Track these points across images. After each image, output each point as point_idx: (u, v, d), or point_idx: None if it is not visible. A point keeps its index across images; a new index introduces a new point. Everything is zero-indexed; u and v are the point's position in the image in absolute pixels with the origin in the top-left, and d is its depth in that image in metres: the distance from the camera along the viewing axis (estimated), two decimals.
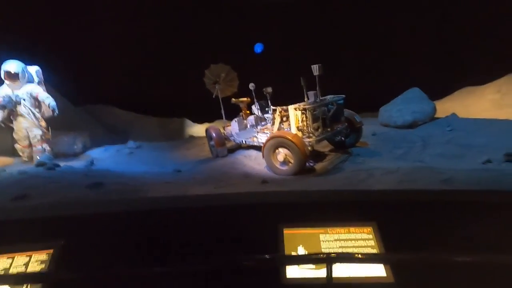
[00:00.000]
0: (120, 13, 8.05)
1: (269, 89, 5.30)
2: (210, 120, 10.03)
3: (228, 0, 7.87)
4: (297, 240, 1.84)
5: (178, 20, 8.49)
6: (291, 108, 4.62)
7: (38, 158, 4.47)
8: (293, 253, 1.79)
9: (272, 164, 4.58)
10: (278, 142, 4.44)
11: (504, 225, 1.83)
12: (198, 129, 11.11)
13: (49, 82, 8.15)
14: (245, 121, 6.36)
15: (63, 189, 2.90)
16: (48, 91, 7.95)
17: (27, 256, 1.69)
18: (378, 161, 4.51)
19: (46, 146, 4.81)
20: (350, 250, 1.77)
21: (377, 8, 7.88)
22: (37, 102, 4.75)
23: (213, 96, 6.46)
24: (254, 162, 5.29)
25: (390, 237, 1.81)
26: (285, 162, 4.47)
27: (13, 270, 1.63)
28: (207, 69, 6.67)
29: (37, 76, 4.95)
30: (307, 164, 4.74)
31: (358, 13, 8.14)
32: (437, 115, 6.44)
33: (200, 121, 11.39)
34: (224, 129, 6.32)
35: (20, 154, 4.88)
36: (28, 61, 4.96)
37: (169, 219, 2.02)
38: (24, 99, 4.62)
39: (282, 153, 4.47)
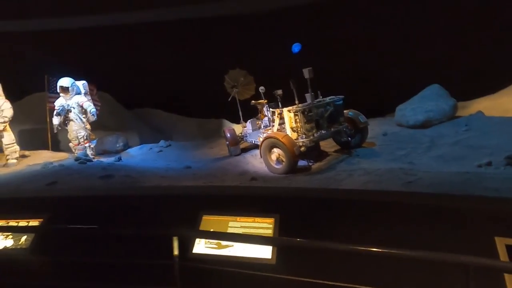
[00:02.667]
0: (165, 30, 9.13)
1: (279, 92, 5.62)
2: (245, 120, 10.66)
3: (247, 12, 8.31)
4: (211, 224, 2.24)
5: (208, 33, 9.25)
6: (285, 110, 4.88)
7: (77, 154, 5.60)
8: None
9: (268, 163, 4.91)
10: (271, 142, 4.76)
11: (406, 226, 1.93)
12: (237, 129, 11.85)
13: (106, 91, 9.76)
14: (259, 122, 6.77)
15: (80, 179, 3.76)
16: (105, 97, 9.53)
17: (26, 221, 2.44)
18: (371, 162, 4.49)
19: (89, 145, 5.97)
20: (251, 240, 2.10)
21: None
22: (83, 109, 5.92)
23: (229, 100, 7.01)
24: (258, 161, 5.67)
25: (288, 228, 2.09)
26: (279, 161, 4.76)
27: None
28: (226, 74, 7.25)
29: (83, 89, 6.16)
30: (306, 162, 4.96)
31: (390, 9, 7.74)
32: (489, 112, 5.77)
33: (237, 121, 12.12)
34: (242, 130, 6.85)
35: (73, 151, 6.13)
36: (77, 77, 6.21)
37: (128, 201, 2.60)
38: (73, 107, 5.83)
39: (276, 152, 4.77)
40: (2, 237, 2.32)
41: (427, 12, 7.37)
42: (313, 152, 5.25)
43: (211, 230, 2.19)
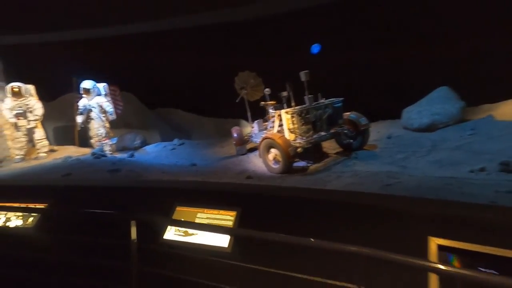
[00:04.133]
0: (187, 36, 9.67)
1: (284, 93, 5.77)
2: (253, 121, 10.91)
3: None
4: (182, 214, 2.49)
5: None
6: (282, 112, 5.03)
7: (93, 150, 6.18)
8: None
9: (266, 162, 5.09)
10: (269, 143, 4.93)
11: (349, 224, 2.05)
12: (245, 130, 12.12)
13: (131, 91, 10.46)
14: (266, 122, 6.95)
15: (91, 172, 4.21)
16: (129, 97, 10.23)
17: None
18: (366, 165, 4.50)
19: (108, 142, 6.54)
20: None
21: None
22: (102, 109, 6.51)
23: (237, 101, 7.27)
24: (260, 161, 5.84)
25: (247, 221, 2.28)
26: (276, 161, 4.93)
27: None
28: (236, 76, 7.52)
29: (104, 90, 6.76)
30: (306, 163, 5.07)
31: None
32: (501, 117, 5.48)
33: (253, 121, 12.39)
34: (251, 130, 7.08)
35: (94, 147, 6.75)
36: (103, 79, 6.84)
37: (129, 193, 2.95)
38: (94, 107, 6.43)
39: (273, 153, 4.94)
40: (14, 217, 2.75)
41: (445, 11, 7.08)
42: (314, 153, 5.34)
43: (182, 219, 2.45)
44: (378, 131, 6.10)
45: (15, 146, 6.24)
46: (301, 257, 1.87)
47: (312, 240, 1.58)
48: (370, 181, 3.37)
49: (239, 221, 2.27)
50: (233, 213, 2.35)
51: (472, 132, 4.77)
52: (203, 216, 2.42)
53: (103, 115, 6.56)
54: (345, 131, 5.18)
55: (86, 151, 7.05)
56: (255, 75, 7.48)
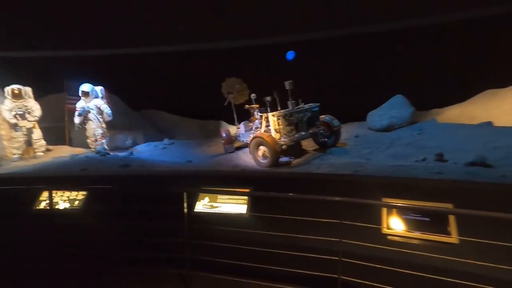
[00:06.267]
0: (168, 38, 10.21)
1: (268, 98, 6.63)
2: (239, 122, 11.71)
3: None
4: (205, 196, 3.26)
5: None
6: (270, 114, 5.91)
7: (97, 148, 6.65)
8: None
9: (256, 158, 5.92)
10: (258, 141, 5.77)
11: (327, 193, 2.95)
12: (231, 130, 12.85)
13: (115, 94, 10.78)
14: (251, 124, 7.79)
15: (104, 167, 4.78)
16: (114, 100, 10.55)
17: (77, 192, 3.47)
18: (339, 158, 5.51)
19: (105, 141, 7.01)
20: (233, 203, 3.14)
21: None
22: (100, 111, 6.97)
23: (224, 104, 8.05)
24: (249, 157, 6.68)
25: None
26: (264, 156, 5.78)
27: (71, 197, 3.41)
28: (223, 82, 8.30)
29: (101, 93, 7.21)
30: (288, 158, 5.97)
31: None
32: (457, 119, 6.82)
33: (233, 123, 13.15)
34: (236, 131, 7.87)
35: (90, 146, 7.16)
36: (97, 83, 7.27)
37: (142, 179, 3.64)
38: (92, 109, 6.87)
39: (262, 149, 5.79)
40: (62, 201, 3.33)
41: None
42: (295, 150, 6.27)
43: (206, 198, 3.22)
44: (347, 131, 7.20)
45: (13, 146, 6.49)
46: (297, 211, 2.74)
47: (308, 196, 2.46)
48: (343, 169, 4.35)
49: (251, 199, 3.10)
50: (247, 190, 3.18)
51: (419, 132, 5.98)
52: (224, 196, 3.22)
53: (100, 116, 7.02)
54: (321, 131, 6.18)
55: (81, 150, 7.41)
56: (241, 81, 8.32)
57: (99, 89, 7.17)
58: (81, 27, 9.43)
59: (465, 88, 8.35)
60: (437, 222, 2.51)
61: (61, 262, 2.73)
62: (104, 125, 7.09)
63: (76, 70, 8.61)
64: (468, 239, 2.21)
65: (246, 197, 3.13)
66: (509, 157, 4.27)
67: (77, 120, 6.93)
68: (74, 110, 7.19)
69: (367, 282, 2.27)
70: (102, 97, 7.20)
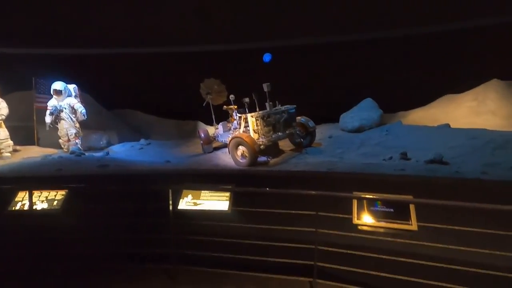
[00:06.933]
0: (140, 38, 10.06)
1: (247, 99, 6.79)
2: (217, 123, 11.77)
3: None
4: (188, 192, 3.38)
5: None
6: (249, 115, 6.10)
7: (71, 149, 6.44)
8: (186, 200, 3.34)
9: (235, 158, 6.07)
10: (237, 141, 5.93)
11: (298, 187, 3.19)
12: (210, 131, 12.86)
13: (87, 92, 10.42)
14: (229, 124, 7.92)
15: (81, 167, 4.69)
16: (87, 99, 10.21)
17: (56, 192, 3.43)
18: (315, 158, 5.81)
19: (78, 141, 6.80)
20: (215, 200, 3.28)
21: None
22: (73, 110, 6.76)
23: (203, 105, 8.12)
24: (227, 156, 6.82)
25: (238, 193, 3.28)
26: (243, 156, 5.95)
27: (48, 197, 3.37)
28: (202, 82, 8.36)
29: (74, 92, 6.99)
30: (266, 158, 6.18)
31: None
32: (420, 121, 7.39)
33: (211, 123, 13.19)
34: (215, 131, 7.96)
35: (62, 146, 6.91)
36: (70, 81, 7.03)
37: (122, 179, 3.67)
38: (65, 108, 6.65)
39: (241, 149, 5.95)
40: (39, 201, 3.28)
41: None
42: (272, 150, 6.50)
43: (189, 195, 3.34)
44: (321, 132, 7.57)
45: None
46: (277, 206, 2.95)
47: (290, 190, 2.67)
48: (318, 167, 4.63)
49: (233, 194, 3.26)
50: (229, 187, 3.33)
51: (386, 133, 6.46)
52: (207, 194, 3.34)
53: (73, 115, 6.81)
54: (297, 132, 6.47)
55: (52, 151, 7.13)
56: (219, 82, 8.42)
57: (72, 87, 6.95)
58: (50, 24, 9.06)
59: (427, 93, 9.14)
60: (399, 213, 2.83)
61: (46, 262, 2.71)
62: (77, 125, 6.89)
63: (44, 68, 8.27)
64: (425, 224, 2.55)
65: (228, 194, 3.28)
66: (462, 155, 4.80)
67: (48, 119, 6.68)
68: (45, 108, 6.91)
69: (339, 267, 2.52)
70: (75, 96, 6.98)
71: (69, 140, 6.78)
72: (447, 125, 6.64)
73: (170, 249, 2.77)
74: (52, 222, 3.13)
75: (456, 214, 2.61)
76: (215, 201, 3.20)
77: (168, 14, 9.37)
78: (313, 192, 2.44)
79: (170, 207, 2.69)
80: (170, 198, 2.68)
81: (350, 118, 7.09)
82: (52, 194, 3.35)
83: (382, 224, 2.79)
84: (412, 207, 2.75)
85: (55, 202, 3.27)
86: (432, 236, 2.53)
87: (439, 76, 8.69)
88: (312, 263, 2.54)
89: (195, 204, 3.22)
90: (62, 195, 3.36)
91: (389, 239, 2.58)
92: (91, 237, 2.87)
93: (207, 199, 3.24)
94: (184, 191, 3.38)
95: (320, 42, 8.85)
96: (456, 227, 2.51)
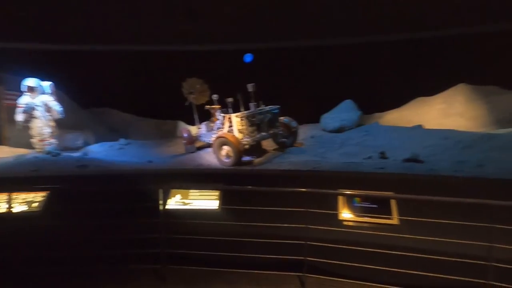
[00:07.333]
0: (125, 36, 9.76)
1: (230, 99, 6.81)
2: (200, 122, 11.65)
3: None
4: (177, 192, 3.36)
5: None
6: (233, 116, 6.13)
7: (47, 148, 6.14)
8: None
9: (219, 157, 6.07)
10: (222, 141, 5.94)
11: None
12: (192, 130, 12.68)
13: (62, 90, 9.95)
14: (212, 124, 7.89)
15: (58, 168, 4.50)
16: (61, 96, 9.74)
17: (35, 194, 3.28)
18: (298, 157, 5.94)
19: (54, 141, 6.50)
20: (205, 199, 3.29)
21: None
22: (48, 108, 6.44)
23: (185, 104, 8.05)
24: (211, 156, 6.80)
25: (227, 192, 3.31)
26: (228, 156, 5.96)
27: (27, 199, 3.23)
28: (184, 82, 8.27)
29: (49, 89, 6.66)
30: (250, 157, 6.23)
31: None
32: (395, 122, 7.75)
33: (192, 123, 13.03)
34: (197, 131, 7.89)
35: (35, 146, 6.55)
36: (43, 77, 6.71)
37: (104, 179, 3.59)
38: (38, 106, 6.32)
39: (225, 149, 5.96)
40: (17, 204, 3.12)
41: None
42: (256, 150, 6.57)
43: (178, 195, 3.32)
44: (303, 132, 7.74)
45: None
46: (265, 204, 3.02)
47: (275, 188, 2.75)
48: (301, 166, 4.76)
49: (222, 193, 3.29)
50: (218, 185, 3.36)
51: (365, 133, 6.74)
52: (196, 193, 3.35)
53: (48, 114, 6.50)
54: (280, 132, 6.58)
55: (23, 151, 6.75)
56: (202, 82, 8.37)
57: (47, 84, 6.62)
58: (20, 16, 8.56)
59: (400, 95, 9.64)
60: (381, 208, 3.00)
61: (34, 265, 2.59)
62: (52, 124, 6.57)
63: (13, 63, 7.81)
64: (406, 218, 2.73)
65: (217, 193, 3.31)
66: (436, 154, 5.13)
67: (20, 117, 6.31)
68: (14, 106, 6.53)
69: (327, 261, 2.63)
70: (50, 93, 6.66)
71: (42, 140, 6.45)
72: (420, 126, 7.03)
73: (160, 249, 2.75)
74: (32, 224, 2.99)
75: (432, 208, 2.81)
76: (205, 200, 3.22)
77: (149, 12, 9.18)
78: (303, 189, 2.53)
79: (161, 207, 2.68)
80: (161, 197, 2.66)
81: (331, 119, 7.33)
82: (31, 195, 3.20)
83: (367, 219, 2.94)
84: (393, 203, 2.93)
85: (34, 204, 3.12)
86: (411, 229, 2.71)
87: (412, 80, 9.20)
88: (302, 258, 2.63)
89: (184, 203, 3.22)
90: (42, 196, 3.23)
91: (373, 232, 2.73)
92: (76, 239, 2.78)
93: (196, 198, 3.25)
94: (173, 191, 3.37)
95: (301, 45, 9.10)
96: (432, 220, 2.70)
